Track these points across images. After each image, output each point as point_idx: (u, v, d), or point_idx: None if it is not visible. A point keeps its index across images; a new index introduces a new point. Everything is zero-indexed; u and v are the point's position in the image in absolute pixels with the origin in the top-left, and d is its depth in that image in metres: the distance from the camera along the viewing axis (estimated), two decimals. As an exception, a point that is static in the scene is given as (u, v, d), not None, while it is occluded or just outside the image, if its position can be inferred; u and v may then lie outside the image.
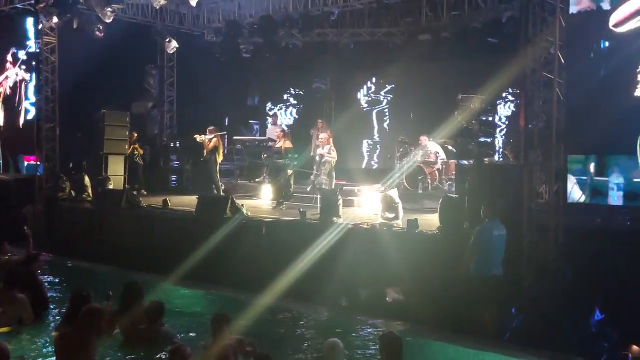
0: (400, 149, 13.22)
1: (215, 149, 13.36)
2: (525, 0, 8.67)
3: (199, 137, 13.56)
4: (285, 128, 14.13)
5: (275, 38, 14.82)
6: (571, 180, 9.24)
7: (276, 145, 12.85)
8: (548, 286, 7.77)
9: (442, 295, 7.91)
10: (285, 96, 17.35)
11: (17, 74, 15.60)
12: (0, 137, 16.29)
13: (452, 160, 12.07)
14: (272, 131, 14.69)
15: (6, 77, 15.91)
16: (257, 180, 14.71)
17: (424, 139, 13.09)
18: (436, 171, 12.43)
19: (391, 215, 9.37)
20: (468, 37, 12.94)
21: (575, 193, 9.61)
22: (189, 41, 15.93)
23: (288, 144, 12.54)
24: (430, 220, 9.45)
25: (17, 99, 15.74)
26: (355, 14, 14.46)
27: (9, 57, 15.87)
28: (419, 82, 15.41)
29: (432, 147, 13.08)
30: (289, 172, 12.13)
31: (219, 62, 15.84)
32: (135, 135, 14.83)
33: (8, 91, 15.91)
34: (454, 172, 11.49)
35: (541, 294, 7.76)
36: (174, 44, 15.50)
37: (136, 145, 14.78)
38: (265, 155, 14.04)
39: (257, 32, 14.69)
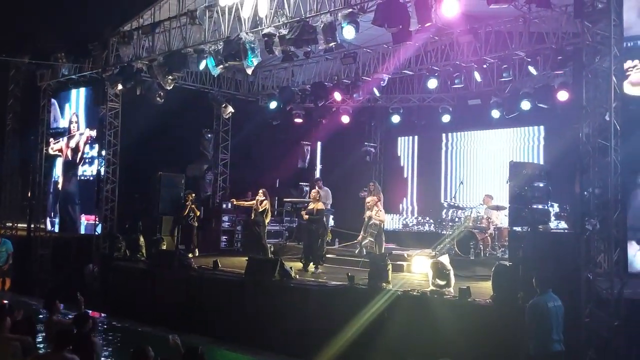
0: (450, 213, 13.12)
1: (265, 211, 13.49)
2: (579, 68, 8.63)
3: (236, 202, 13.82)
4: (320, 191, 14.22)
5: (326, 103, 15.22)
6: (634, 248, 8.84)
7: (309, 207, 12.45)
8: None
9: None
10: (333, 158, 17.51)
11: (81, 134, 16.37)
12: (61, 197, 16.94)
13: (504, 227, 11.84)
14: (322, 195, 14.71)
15: (69, 140, 16.73)
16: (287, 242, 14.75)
17: (488, 199, 13.03)
18: (488, 237, 12.19)
19: (442, 283, 9.13)
20: (518, 102, 13.03)
21: (638, 262, 9.19)
22: (244, 107, 16.50)
23: (320, 205, 12.42)
24: (483, 289, 9.18)
25: (78, 157, 16.44)
26: (405, 80, 14.73)
27: (74, 121, 16.73)
28: (470, 147, 15.47)
29: (485, 213, 12.91)
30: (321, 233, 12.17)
31: (271, 127, 16.30)
32: (193, 196, 14.80)
33: (70, 153, 16.66)
34: (507, 239, 11.23)
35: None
36: (230, 109, 16.13)
37: (193, 206, 14.68)
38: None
39: (309, 98, 15.15)
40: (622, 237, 7.99)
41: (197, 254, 14.18)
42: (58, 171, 17.09)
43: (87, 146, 16.19)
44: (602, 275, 7.84)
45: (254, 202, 13.35)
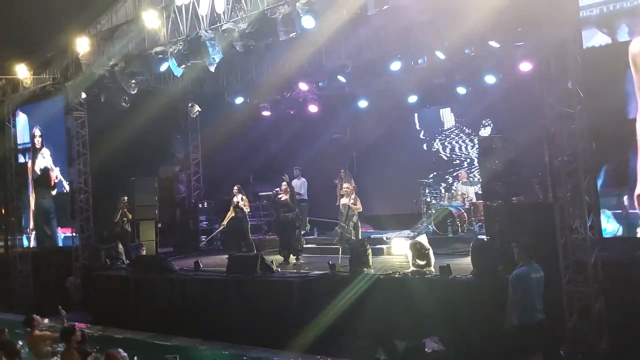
0: (425, 192, 13.25)
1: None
2: (539, 40, 8.74)
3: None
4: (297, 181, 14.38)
5: (292, 94, 15.18)
6: (605, 214, 8.98)
7: (282, 199, 12.36)
8: (592, 325, 7.52)
9: (484, 344, 7.71)
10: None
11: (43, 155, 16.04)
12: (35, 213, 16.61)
13: (479, 202, 11.99)
14: (297, 185, 14.73)
15: (34, 155, 16.36)
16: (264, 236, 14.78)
17: (463, 174, 13.22)
18: (465, 213, 12.33)
19: (422, 263, 9.25)
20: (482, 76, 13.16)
21: (611, 227, 9.33)
22: (210, 104, 16.34)
23: (290, 196, 12.31)
24: (463, 265, 9.32)
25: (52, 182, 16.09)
26: (369, 64, 14.69)
27: (37, 135, 16.36)
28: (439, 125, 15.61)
29: (460, 189, 13.06)
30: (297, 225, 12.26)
31: (239, 122, 16.17)
32: (125, 200, 14.57)
33: (39, 172, 16.30)
34: (482, 214, 11.38)
35: (586, 333, 7.52)
36: (197, 108, 16.02)
37: (125, 210, 14.49)
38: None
39: (274, 90, 15.09)
40: (595, 203, 8.12)
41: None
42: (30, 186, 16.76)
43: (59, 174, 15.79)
44: (579, 241, 7.97)
45: (233, 202, 13.39)
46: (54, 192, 15.92)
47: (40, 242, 16.52)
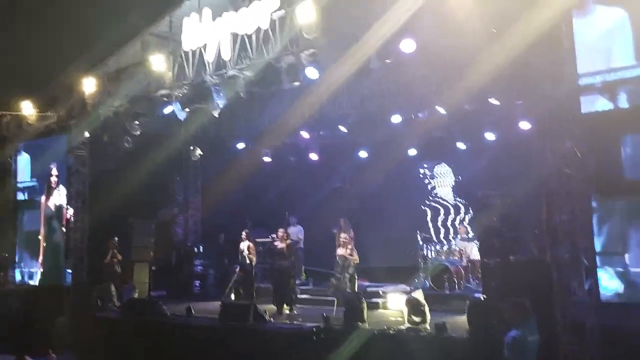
0: (423, 246, 13.15)
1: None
2: (539, 100, 8.85)
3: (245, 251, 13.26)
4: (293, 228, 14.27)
5: (294, 140, 15.26)
6: (607, 271, 8.88)
7: (278, 247, 12.35)
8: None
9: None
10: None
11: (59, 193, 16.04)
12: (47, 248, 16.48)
13: (477, 259, 11.86)
14: (293, 233, 14.65)
15: (50, 196, 16.35)
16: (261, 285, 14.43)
17: (463, 229, 13.09)
18: (462, 270, 12.19)
19: (418, 319, 9.09)
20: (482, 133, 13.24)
21: (612, 285, 9.20)
22: (212, 148, 16.40)
23: (287, 244, 12.29)
24: (460, 323, 9.14)
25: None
26: (370, 116, 14.84)
27: (53, 173, 16.37)
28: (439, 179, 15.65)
29: (458, 245, 12.95)
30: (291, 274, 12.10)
31: (240, 166, 16.19)
32: (116, 241, 14.40)
33: (53, 208, 16.24)
34: (480, 270, 11.25)
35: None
36: (198, 151, 16.09)
37: (115, 251, 14.26)
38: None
39: (276, 136, 15.18)
40: (592, 265, 8.03)
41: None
42: (30, 222, 16.61)
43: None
44: (577, 303, 7.83)
45: (240, 249, 13.12)
46: (64, 229, 15.81)
47: (46, 278, 16.23)
